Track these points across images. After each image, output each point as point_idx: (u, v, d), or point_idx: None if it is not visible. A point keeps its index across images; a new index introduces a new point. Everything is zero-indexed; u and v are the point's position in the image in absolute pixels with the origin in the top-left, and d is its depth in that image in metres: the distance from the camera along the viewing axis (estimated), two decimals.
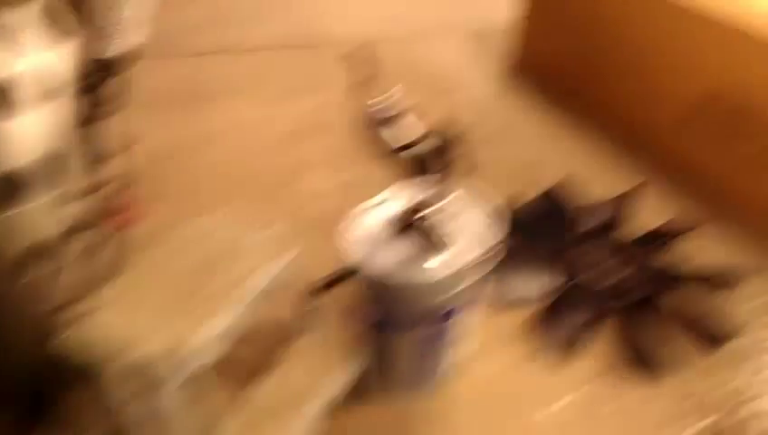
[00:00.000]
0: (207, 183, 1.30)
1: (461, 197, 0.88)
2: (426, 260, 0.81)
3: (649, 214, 1.20)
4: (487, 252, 0.83)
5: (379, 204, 0.89)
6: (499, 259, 0.96)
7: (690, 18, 1.15)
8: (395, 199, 0.89)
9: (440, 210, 0.84)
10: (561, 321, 0.98)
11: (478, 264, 0.83)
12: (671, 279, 1.02)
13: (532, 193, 1.24)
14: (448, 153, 1.22)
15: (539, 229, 1.11)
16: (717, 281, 1.01)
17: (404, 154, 1.15)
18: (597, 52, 1.41)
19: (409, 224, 0.84)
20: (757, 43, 1.05)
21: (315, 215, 1.22)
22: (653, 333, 0.96)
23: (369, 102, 1.43)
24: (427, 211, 0.84)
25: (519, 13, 1.65)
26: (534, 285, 1.02)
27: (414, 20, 2.03)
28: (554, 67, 1.58)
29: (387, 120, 1.37)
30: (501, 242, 0.84)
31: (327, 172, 1.34)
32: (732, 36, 1.09)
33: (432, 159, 1.05)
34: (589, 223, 1.13)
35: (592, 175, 1.32)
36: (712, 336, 0.95)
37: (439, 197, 0.85)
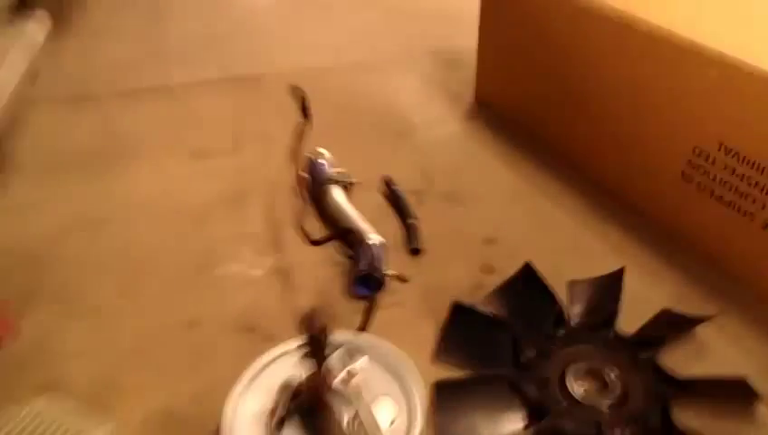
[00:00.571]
0: (99, 278, 1.05)
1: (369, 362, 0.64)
2: None
3: (643, 296, 0.98)
4: None
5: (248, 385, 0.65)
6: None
7: (685, 52, 0.93)
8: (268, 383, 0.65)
9: (337, 392, 0.60)
10: None
11: None
12: (681, 391, 0.79)
13: (494, 276, 1.01)
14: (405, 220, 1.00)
15: (516, 330, 0.87)
16: (736, 394, 0.79)
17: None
18: (563, 90, 1.19)
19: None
20: None
21: (238, 313, 0.98)
22: None
23: (309, 159, 1.20)
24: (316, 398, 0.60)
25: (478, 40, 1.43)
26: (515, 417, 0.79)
27: (367, 47, 1.80)
28: (519, 107, 1.36)
29: (326, 183, 1.14)
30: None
31: (253, 255, 1.09)
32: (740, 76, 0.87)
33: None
34: (576, 316, 0.90)
35: (570, 246, 1.09)
36: None
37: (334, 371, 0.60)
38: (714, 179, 0.97)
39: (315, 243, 0.95)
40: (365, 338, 0.65)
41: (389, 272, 0.96)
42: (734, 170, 0.93)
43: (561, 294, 0.95)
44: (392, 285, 1.00)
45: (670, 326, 0.89)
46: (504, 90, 1.40)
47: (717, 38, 0.92)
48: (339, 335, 0.65)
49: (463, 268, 1.04)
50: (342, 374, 0.62)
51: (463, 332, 0.89)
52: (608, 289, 0.93)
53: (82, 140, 1.38)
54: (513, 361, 0.86)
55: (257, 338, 0.93)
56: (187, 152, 1.34)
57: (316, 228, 1.13)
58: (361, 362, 0.64)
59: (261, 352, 0.91)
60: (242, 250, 1.08)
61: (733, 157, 0.93)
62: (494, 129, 1.38)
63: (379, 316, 0.94)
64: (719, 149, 0.94)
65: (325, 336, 0.59)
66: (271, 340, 0.92)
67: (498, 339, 0.88)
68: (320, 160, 1.20)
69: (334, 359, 0.63)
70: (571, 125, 1.22)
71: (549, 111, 1.27)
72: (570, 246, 1.09)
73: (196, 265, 1.05)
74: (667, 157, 1.03)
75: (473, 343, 0.88)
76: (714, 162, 0.96)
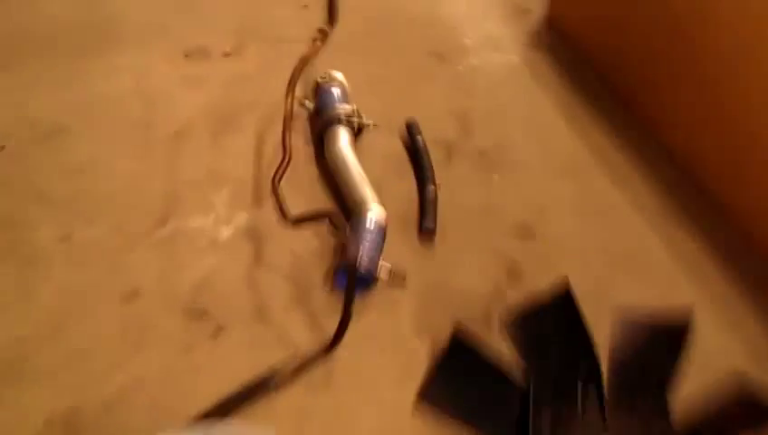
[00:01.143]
0: (34, 209, 0.85)
1: None
2: None
3: (714, 341, 0.74)
4: None
5: None
6: None
7: None
8: None
9: None
10: None
11: None
12: None
13: (522, 284, 0.78)
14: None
15: (531, 384, 0.65)
16: None
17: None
18: (663, 35, 0.88)
19: None
20: None
21: (189, 287, 0.78)
22: None
23: (318, 84, 0.95)
24: None
25: None
26: None
27: None
28: (600, 42, 1.04)
29: (333, 122, 0.89)
30: None
31: (225, 207, 0.87)
32: None
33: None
34: (616, 370, 0.67)
35: (628, 252, 0.84)
36: None
37: None
38: None
39: (291, 221, 0.72)
40: None
41: (383, 269, 0.74)
42: None
43: (603, 325, 0.71)
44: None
45: (740, 411, 0.65)
46: (586, 14, 1.07)
47: None
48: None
49: (483, 266, 0.81)
50: None
51: (461, 371, 0.68)
52: (667, 337, 0.69)
53: (60, 15, 1.13)
54: (520, 425, 0.64)
55: (205, 329, 0.74)
56: (179, 48, 1.09)
57: (312, 176, 0.90)
58: None
59: (206, 349, 0.72)
60: (213, 197, 0.87)
61: None
62: (562, 65, 1.08)
63: (363, 322, 0.73)
64: None
65: None
66: (219, 334, 0.73)
67: (505, 392, 0.66)
68: (331, 88, 0.94)
69: None
70: (664, 83, 0.91)
71: (637, 57, 0.96)
72: (628, 252, 0.84)
73: (153, 211, 0.85)
74: None
75: (471, 389, 0.67)
76: None
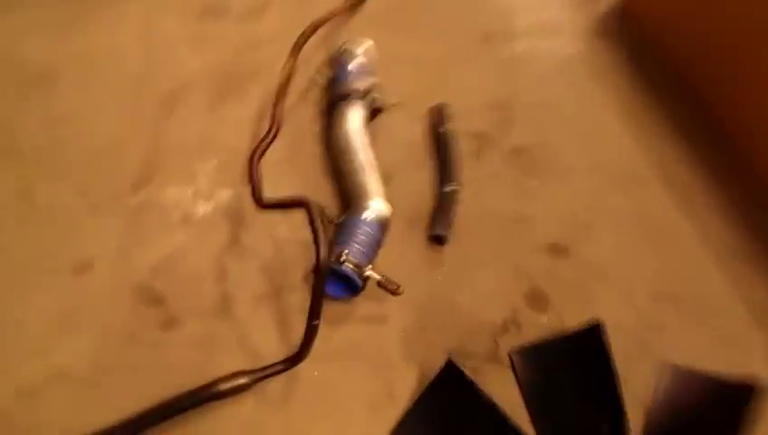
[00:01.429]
0: (5, 156, 0.76)
1: None
2: None
3: None
4: None
5: None
6: None
7: None
8: None
9: None
10: None
11: None
12: None
13: (545, 315, 0.64)
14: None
15: None
16: None
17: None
18: (755, 39, 0.71)
19: None
20: None
21: (150, 266, 0.66)
22: None
23: (339, 53, 0.82)
24: None
25: None
26: None
27: None
28: (681, 39, 0.88)
29: (345, 97, 0.76)
30: None
31: (209, 180, 0.75)
32: None
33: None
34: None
35: (685, 291, 0.68)
36: None
37: None
38: None
39: (263, 204, 0.59)
40: None
41: (373, 274, 0.60)
42: None
43: (639, 373, 0.56)
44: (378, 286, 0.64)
45: None
46: (669, 3, 0.91)
47: None
48: None
49: (500, 286, 0.67)
50: None
51: (449, 413, 0.54)
52: (727, 397, 0.53)
53: None
54: None
55: (155, 319, 0.62)
56: (198, 2, 0.98)
57: (315, 156, 0.77)
58: None
59: (150, 342, 0.60)
60: (198, 167, 0.75)
61: None
62: (627, 59, 0.92)
63: (342, 333, 0.60)
64: None
65: None
66: (170, 326, 0.61)
67: None
68: (349, 58, 0.81)
69: None
70: (748, 90, 0.75)
71: (721, 57, 0.79)
72: (683, 289, 0.68)
73: (129, 175, 0.74)
74: None
75: None
76: None
